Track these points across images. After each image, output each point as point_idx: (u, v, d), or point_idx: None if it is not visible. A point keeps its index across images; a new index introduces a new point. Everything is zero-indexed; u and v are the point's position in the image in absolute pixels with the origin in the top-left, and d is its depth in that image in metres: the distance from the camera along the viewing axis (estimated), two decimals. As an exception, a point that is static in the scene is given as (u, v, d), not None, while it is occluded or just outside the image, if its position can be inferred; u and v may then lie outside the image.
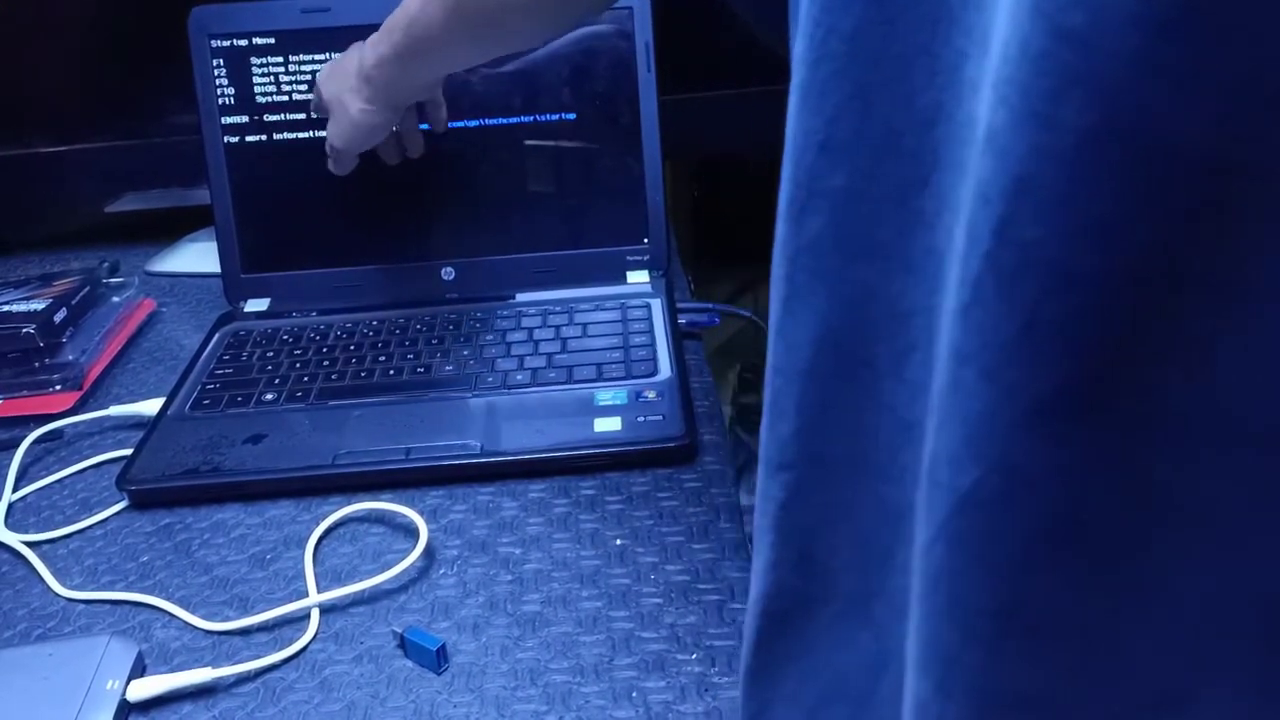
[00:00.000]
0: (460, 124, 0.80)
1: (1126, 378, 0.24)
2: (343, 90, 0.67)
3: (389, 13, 0.78)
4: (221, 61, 0.79)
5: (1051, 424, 0.25)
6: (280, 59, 0.79)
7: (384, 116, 0.68)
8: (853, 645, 0.35)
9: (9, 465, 0.67)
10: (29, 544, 0.60)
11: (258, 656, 0.51)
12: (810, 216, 0.32)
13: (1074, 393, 0.25)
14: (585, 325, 0.75)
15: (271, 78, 0.80)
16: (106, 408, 0.71)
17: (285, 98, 0.80)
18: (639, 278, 0.80)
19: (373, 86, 0.66)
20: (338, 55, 0.70)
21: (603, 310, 0.76)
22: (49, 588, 0.57)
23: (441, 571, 0.56)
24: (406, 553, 0.56)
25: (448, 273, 0.82)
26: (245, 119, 0.80)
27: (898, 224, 0.30)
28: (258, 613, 0.54)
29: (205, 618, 0.54)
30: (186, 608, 0.55)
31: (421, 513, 0.58)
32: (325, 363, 0.73)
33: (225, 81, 0.79)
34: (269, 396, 0.69)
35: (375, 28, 0.78)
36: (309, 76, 0.79)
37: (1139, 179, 0.22)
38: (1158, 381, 0.24)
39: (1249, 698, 0.27)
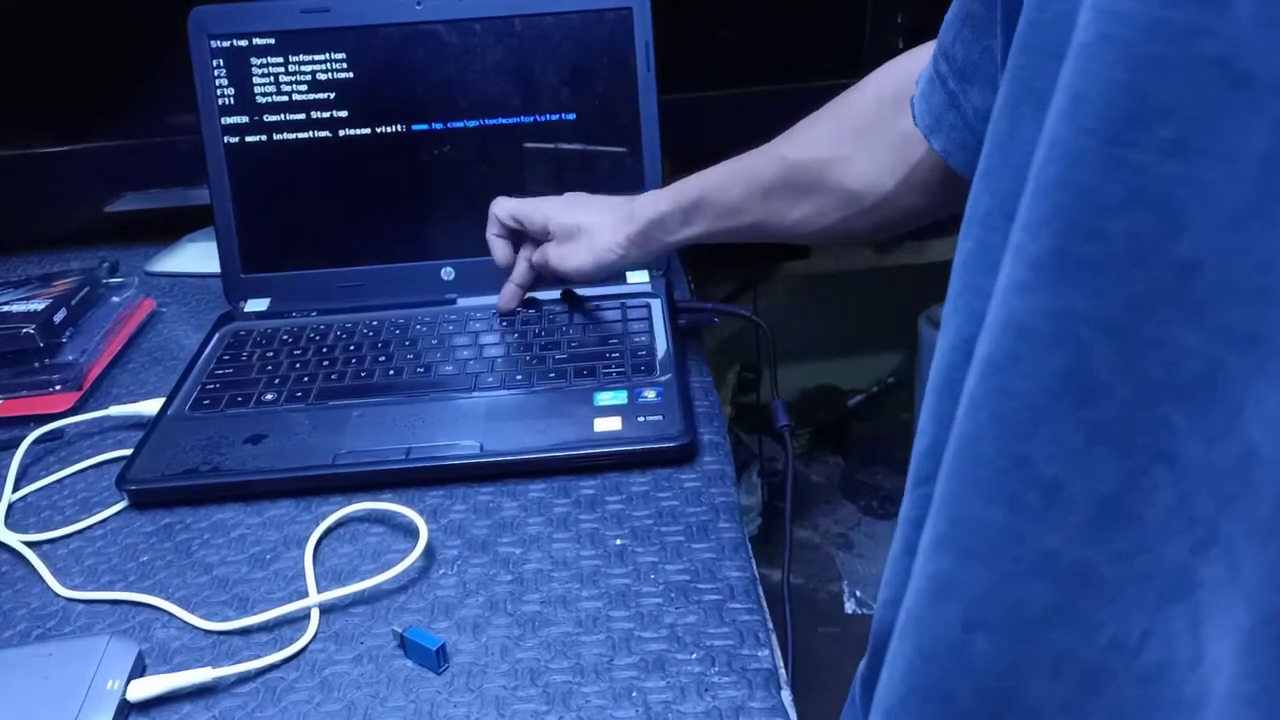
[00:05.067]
0: (460, 124, 0.80)
1: (1110, 231, 0.27)
2: (594, 222, 0.70)
3: (387, 13, 0.79)
4: (221, 61, 0.79)
5: (1048, 279, 0.29)
6: (280, 59, 0.79)
7: (626, 261, 0.70)
8: None
9: (9, 465, 0.67)
10: (29, 544, 0.60)
11: (258, 656, 0.51)
12: (964, 241, 0.35)
13: (1065, 250, 0.28)
14: (585, 325, 0.75)
15: (271, 78, 0.80)
16: (106, 408, 0.71)
17: (285, 98, 0.80)
18: (639, 277, 0.80)
19: (638, 231, 0.68)
20: (574, 192, 0.74)
21: (602, 310, 0.76)
22: (49, 588, 0.57)
23: (441, 571, 0.56)
24: (406, 553, 0.56)
25: (448, 273, 0.82)
26: (245, 119, 0.80)
27: None
28: (258, 613, 0.54)
29: (205, 618, 0.54)
30: (186, 608, 0.55)
31: (421, 513, 0.58)
32: (325, 363, 0.73)
33: (225, 81, 0.79)
34: (269, 396, 0.69)
35: (374, 29, 0.79)
36: (309, 76, 0.79)
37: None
38: (1140, 228, 0.27)
39: (1250, 591, 0.28)
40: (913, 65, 0.55)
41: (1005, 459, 0.31)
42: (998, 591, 0.32)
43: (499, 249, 0.76)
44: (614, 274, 0.73)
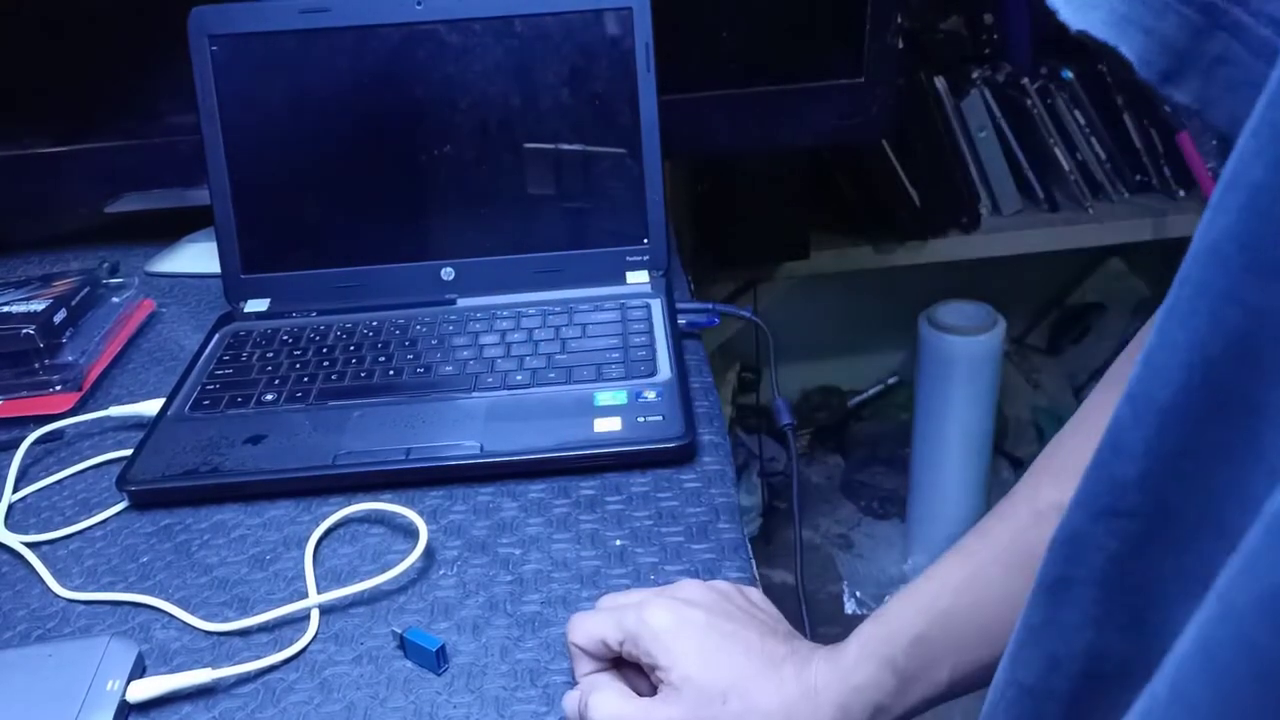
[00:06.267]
0: (460, 124, 0.80)
1: None
2: (757, 699, 0.43)
3: (387, 13, 0.79)
4: (221, 61, 0.79)
5: None
6: (280, 59, 0.79)
7: None
8: None
9: (9, 466, 0.67)
10: (29, 545, 0.60)
11: (258, 657, 0.51)
12: (1220, 215, 0.26)
13: None
14: (585, 326, 0.75)
15: (271, 79, 0.79)
16: (106, 408, 0.71)
17: (285, 98, 0.79)
18: (639, 278, 0.80)
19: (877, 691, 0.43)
20: (703, 612, 0.46)
21: (602, 311, 0.76)
22: (49, 588, 0.57)
23: (441, 572, 0.56)
24: (406, 553, 0.56)
25: (448, 273, 0.82)
26: (245, 119, 0.80)
27: None
28: (258, 613, 0.54)
29: (205, 618, 0.54)
30: (186, 608, 0.55)
31: (421, 513, 0.58)
32: (325, 363, 0.73)
33: (225, 81, 0.79)
34: (269, 397, 0.69)
35: (373, 29, 0.79)
36: (309, 77, 0.79)
37: None
38: None
39: None
40: None
41: None
42: None
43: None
44: None
